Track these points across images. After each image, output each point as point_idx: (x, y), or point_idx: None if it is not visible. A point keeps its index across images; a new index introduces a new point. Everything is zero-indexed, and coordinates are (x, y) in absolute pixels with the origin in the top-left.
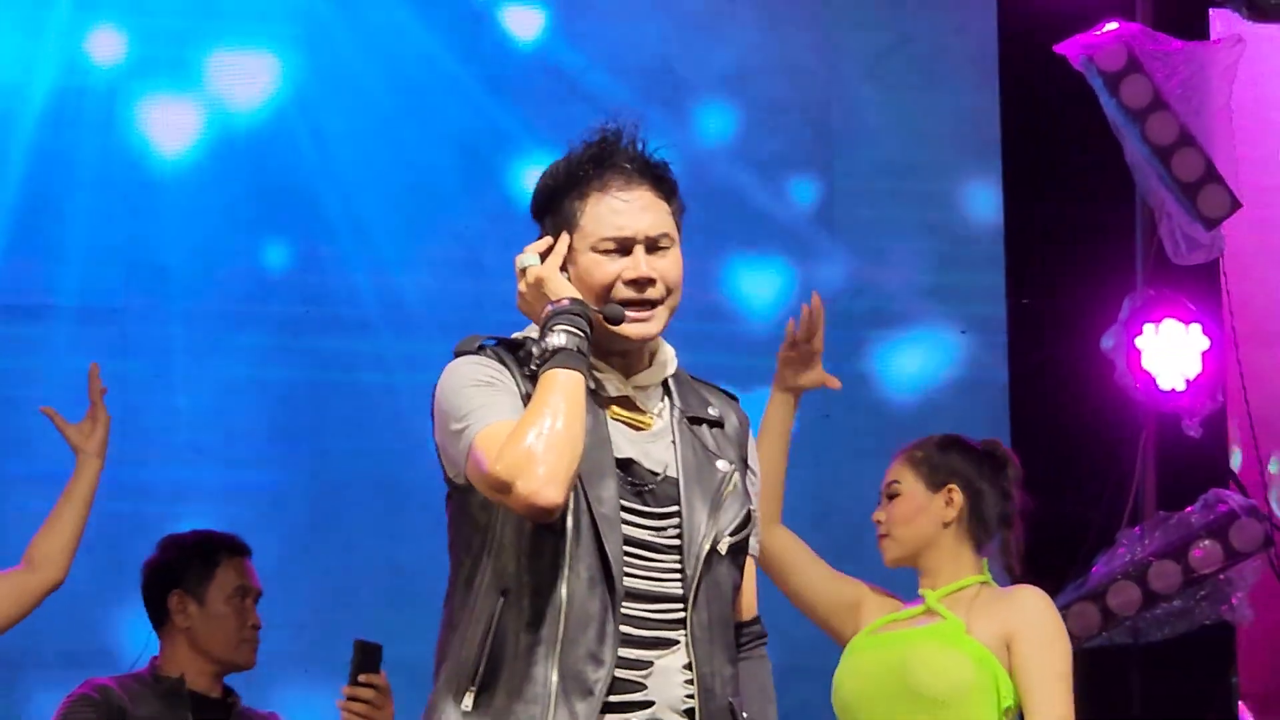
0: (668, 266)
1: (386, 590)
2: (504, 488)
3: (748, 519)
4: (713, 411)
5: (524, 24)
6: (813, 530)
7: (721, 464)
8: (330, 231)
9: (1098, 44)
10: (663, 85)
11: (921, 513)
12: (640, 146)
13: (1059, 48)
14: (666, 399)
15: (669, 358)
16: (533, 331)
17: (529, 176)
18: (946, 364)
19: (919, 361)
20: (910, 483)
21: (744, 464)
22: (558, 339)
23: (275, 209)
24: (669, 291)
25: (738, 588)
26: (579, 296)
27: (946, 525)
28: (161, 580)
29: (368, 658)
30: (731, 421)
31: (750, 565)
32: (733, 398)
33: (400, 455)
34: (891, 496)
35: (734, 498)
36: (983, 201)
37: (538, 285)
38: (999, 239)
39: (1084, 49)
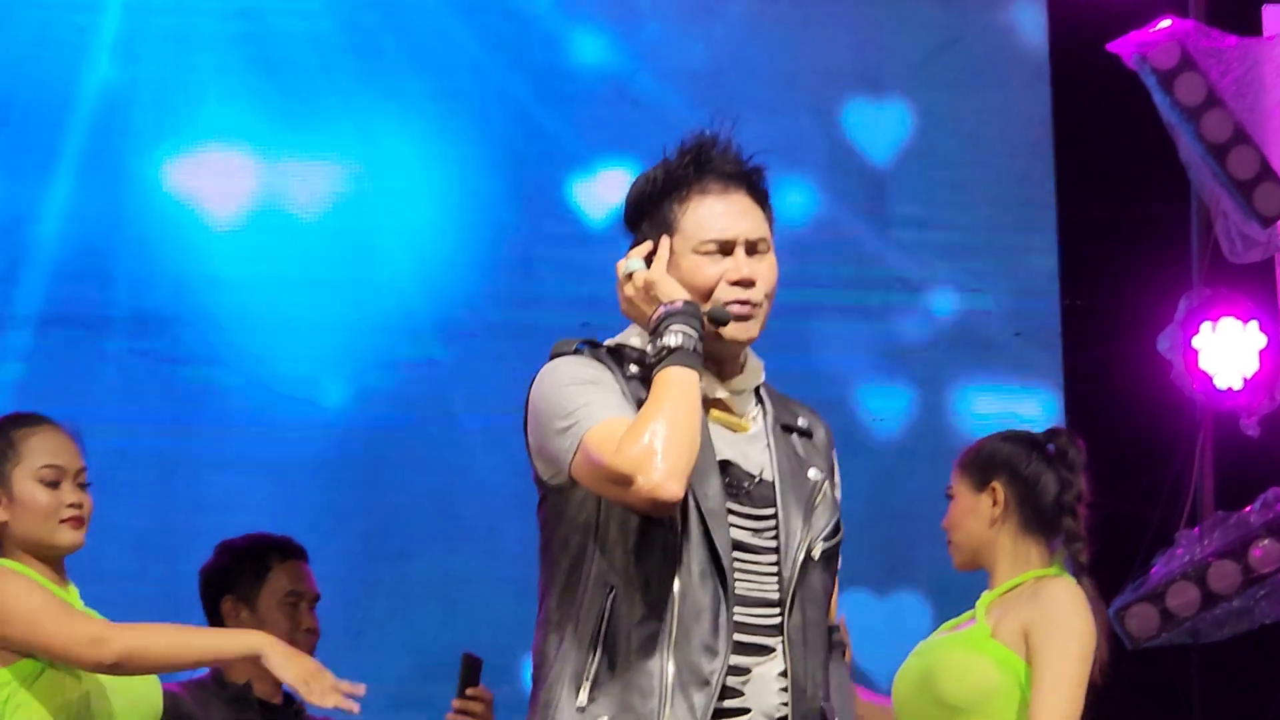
0: (766, 270)
1: (441, 600)
2: (624, 481)
3: (838, 527)
4: (802, 422)
5: (573, 33)
6: (867, 532)
7: (813, 472)
8: (384, 252)
9: (1150, 41)
10: (711, 91)
11: (969, 514)
12: (737, 152)
13: (1111, 46)
14: (759, 406)
15: (758, 366)
16: (625, 338)
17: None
18: (1001, 366)
19: (973, 363)
20: (959, 486)
21: (831, 474)
22: (673, 339)
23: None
24: (766, 296)
25: (829, 593)
26: (690, 299)
27: (994, 524)
28: (215, 586)
29: (473, 671)
30: (819, 433)
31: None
32: (817, 414)
33: (455, 461)
34: (950, 499)
35: (825, 505)
36: (1037, 200)
37: (647, 289)
38: (1053, 237)
39: (1137, 47)
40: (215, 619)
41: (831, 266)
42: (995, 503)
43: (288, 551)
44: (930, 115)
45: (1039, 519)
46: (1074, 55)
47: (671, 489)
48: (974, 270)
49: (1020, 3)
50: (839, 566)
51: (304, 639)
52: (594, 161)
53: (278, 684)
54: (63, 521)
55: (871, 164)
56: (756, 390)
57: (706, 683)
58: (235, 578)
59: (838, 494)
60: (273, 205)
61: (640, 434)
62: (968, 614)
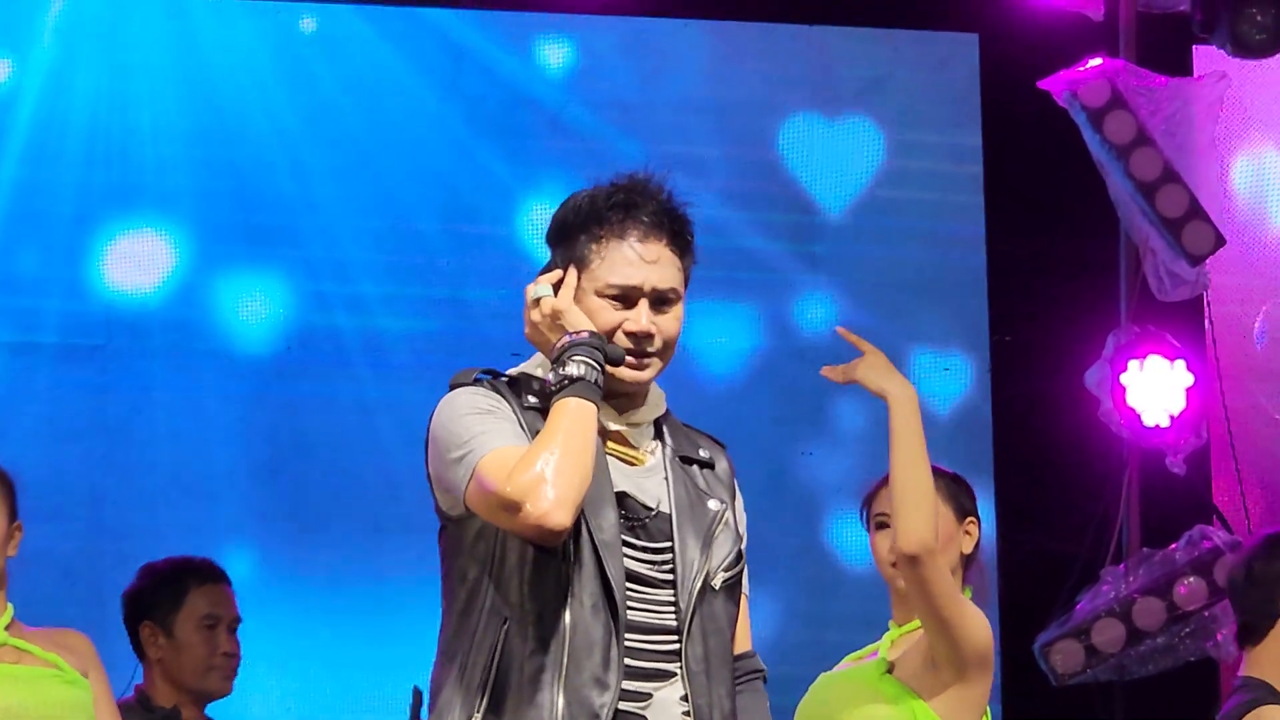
0: (668, 322)
1: (369, 625)
2: (513, 508)
3: (739, 557)
4: (703, 453)
5: (507, 62)
6: (790, 565)
7: (713, 503)
8: (312, 270)
9: (1081, 79)
10: (644, 121)
11: (951, 542)
12: (665, 199)
13: (1042, 83)
14: (658, 439)
15: (659, 399)
16: (529, 367)
17: (511, 214)
18: (930, 400)
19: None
20: (942, 509)
21: (733, 503)
22: (576, 369)
23: (258, 249)
24: (665, 346)
25: (734, 623)
26: (596, 330)
27: (963, 557)
28: (134, 611)
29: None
30: (721, 464)
31: (744, 602)
32: (720, 444)
33: (382, 492)
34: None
35: (725, 535)
36: (966, 237)
37: (554, 316)
38: (982, 275)
39: (1067, 84)
40: (136, 642)
41: (765, 299)
42: (969, 536)
43: (206, 575)
44: (862, 150)
45: (976, 562)
46: (1005, 92)
47: (559, 517)
48: (902, 305)
49: (952, 39)
50: (745, 593)
51: (221, 662)
52: (525, 194)
53: (194, 705)
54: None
55: (802, 196)
56: (657, 423)
57: (596, 716)
58: (153, 602)
59: (741, 524)
60: None
61: (532, 462)
62: (871, 647)
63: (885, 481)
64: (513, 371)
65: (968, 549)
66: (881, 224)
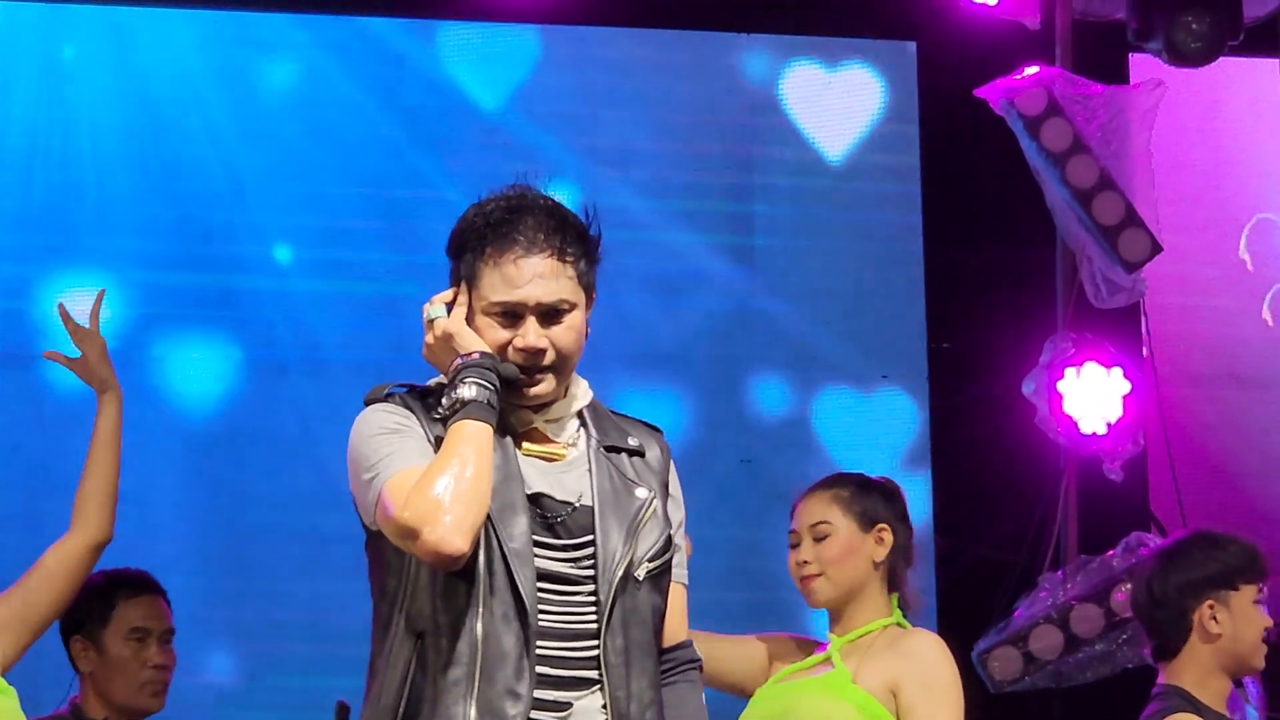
0: (561, 333)
1: (307, 635)
2: (410, 534)
3: (668, 544)
4: (633, 441)
5: (442, 70)
6: (735, 573)
7: (640, 491)
8: (247, 273)
9: (1018, 88)
10: (581, 130)
11: (855, 553)
12: (548, 209)
13: (979, 91)
14: (582, 430)
15: (582, 390)
16: (441, 380)
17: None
18: (867, 408)
19: (840, 406)
20: (841, 522)
21: (664, 491)
22: (468, 391)
23: (193, 250)
24: (561, 357)
25: (661, 613)
26: (488, 350)
27: (877, 565)
28: (66, 625)
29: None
30: (653, 451)
31: (678, 591)
32: (655, 430)
33: (318, 500)
34: (821, 538)
35: (653, 524)
36: (904, 245)
37: (446, 338)
38: (919, 281)
39: (1004, 93)
40: (70, 658)
41: (701, 304)
42: (880, 543)
43: (138, 586)
44: (800, 158)
45: (900, 567)
46: (942, 100)
47: (456, 543)
48: (842, 312)
49: (889, 48)
50: (683, 583)
51: (151, 675)
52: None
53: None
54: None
55: (742, 206)
56: (580, 414)
57: None
58: (84, 617)
59: (678, 512)
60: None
61: (429, 488)
62: (821, 656)
63: (800, 497)
64: (432, 383)
65: (880, 556)
66: (820, 232)
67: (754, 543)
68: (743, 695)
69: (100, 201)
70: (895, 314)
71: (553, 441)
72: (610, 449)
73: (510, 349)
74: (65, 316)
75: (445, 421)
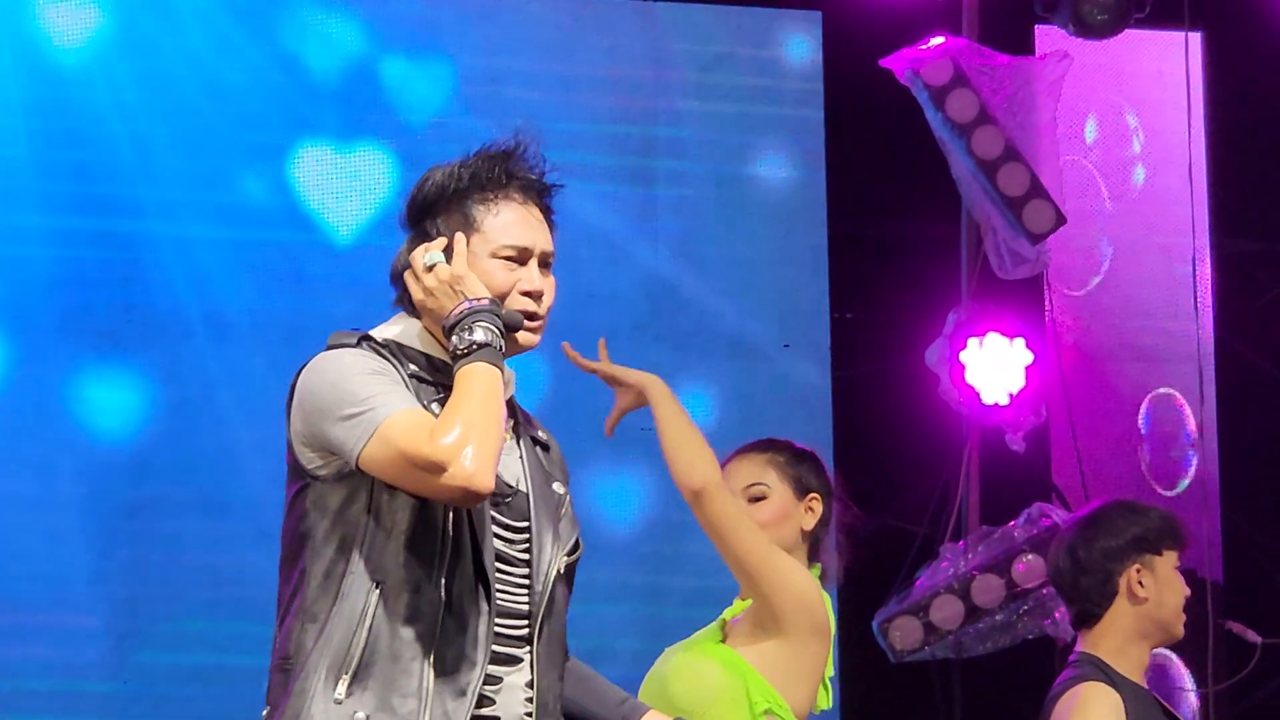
0: (551, 285)
1: (207, 598)
2: (437, 469)
3: (578, 543)
4: (541, 435)
5: (346, 34)
6: (638, 540)
7: (557, 486)
8: (151, 238)
9: (924, 58)
10: (488, 92)
11: (788, 519)
12: (541, 169)
13: (884, 62)
14: (510, 417)
15: (512, 377)
16: (400, 336)
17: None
18: (770, 378)
19: (742, 375)
20: (777, 486)
21: (567, 487)
22: (482, 334)
23: (97, 214)
24: (548, 309)
25: (566, 606)
26: (494, 298)
27: (804, 535)
28: None
29: None
30: (554, 448)
31: None
32: (548, 433)
33: (222, 465)
34: (756, 499)
35: (569, 519)
36: (807, 214)
37: (453, 283)
38: (823, 251)
39: (910, 63)
40: None
41: (603, 271)
42: (810, 512)
43: None
44: (704, 128)
45: (823, 538)
46: (847, 70)
47: (485, 481)
48: (744, 282)
49: (794, 17)
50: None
51: None
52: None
53: None
54: None
55: (644, 173)
56: (510, 401)
57: (463, 693)
58: None
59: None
60: None
61: (453, 424)
62: (715, 623)
63: (729, 458)
64: (379, 336)
65: (809, 525)
66: (724, 201)
67: (655, 514)
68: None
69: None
70: (798, 283)
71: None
72: (532, 440)
73: (514, 294)
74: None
75: (441, 382)
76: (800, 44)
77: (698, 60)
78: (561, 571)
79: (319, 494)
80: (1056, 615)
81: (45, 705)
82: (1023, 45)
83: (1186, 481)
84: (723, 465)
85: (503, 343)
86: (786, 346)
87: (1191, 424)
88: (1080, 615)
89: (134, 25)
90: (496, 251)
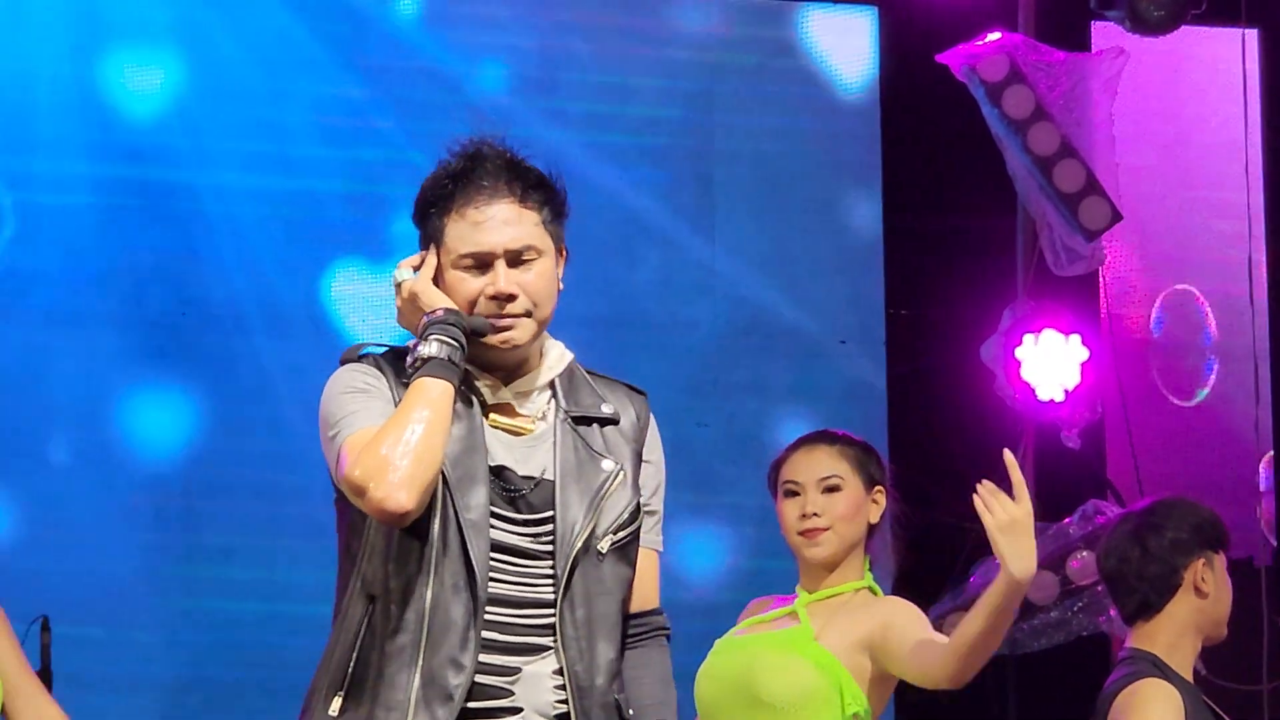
0: (532, 280)
1: (264, 592)
2: (359, 491)
3: (635, 514)
4: (606, 409)
5: (401, 25)
6: (689, 530)
7: (607, 463)
8: (209, 232)
9: (980, 54)
10: (543, 91)
11: (860, 512)
12: (504, 158)
13: (941, 57)
14: (552, 401)
15: (557, 358)
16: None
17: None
18: (825, 374)
19: (797, 371)
20: (850, 478)
21: (638, 459)
22: (429, 348)
23: (153, 208)
24: (535, 304)
25: (629, 583)
26: (454, 306)
27: (869, 528)
28: None
29: None
30: (629, 416)
31: (650, 557)
32: (639, 392)
33: (278, 457)
34: (832, 489)
35: (620, 495)
36: (863, 211)
37: (413, 299)
38: (878, 248)
39: (966, 59)
40: None
41: (661, 268)
42: (876, 505)
43: None
44: (760, 123)
45: (882, 534)
46: (903, 66)
47: (400, 500)
48: (799, 278)
49: (851, 13)
50: (657, 549)
51: None
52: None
53: None
54: None
55: (700, 169)
56: (552, 383)
57: (450, 697)
58: None
59: (654, 477)
60: None
61: (379, 445)
62: (784, 610)
63: (795, 447)
64: (410, 344)
65: (874, 518)
66: (779, 197)
67: (709, 506)
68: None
69: (56, 153)
70: (854, 280)
71: (520, 415)
72: (580, 419)
73: (481, 299)
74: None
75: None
76: (857, 39)
77: (755, 54)
78: (603, 550)
79: (341, 509)
80: (1111, 612)
81: (105, 696)
82: (1079, 41)
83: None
84: (786, 456)
85: (455, 352)
86: (842, 343)
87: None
88: (1138, 608)
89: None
90: (456, 262)
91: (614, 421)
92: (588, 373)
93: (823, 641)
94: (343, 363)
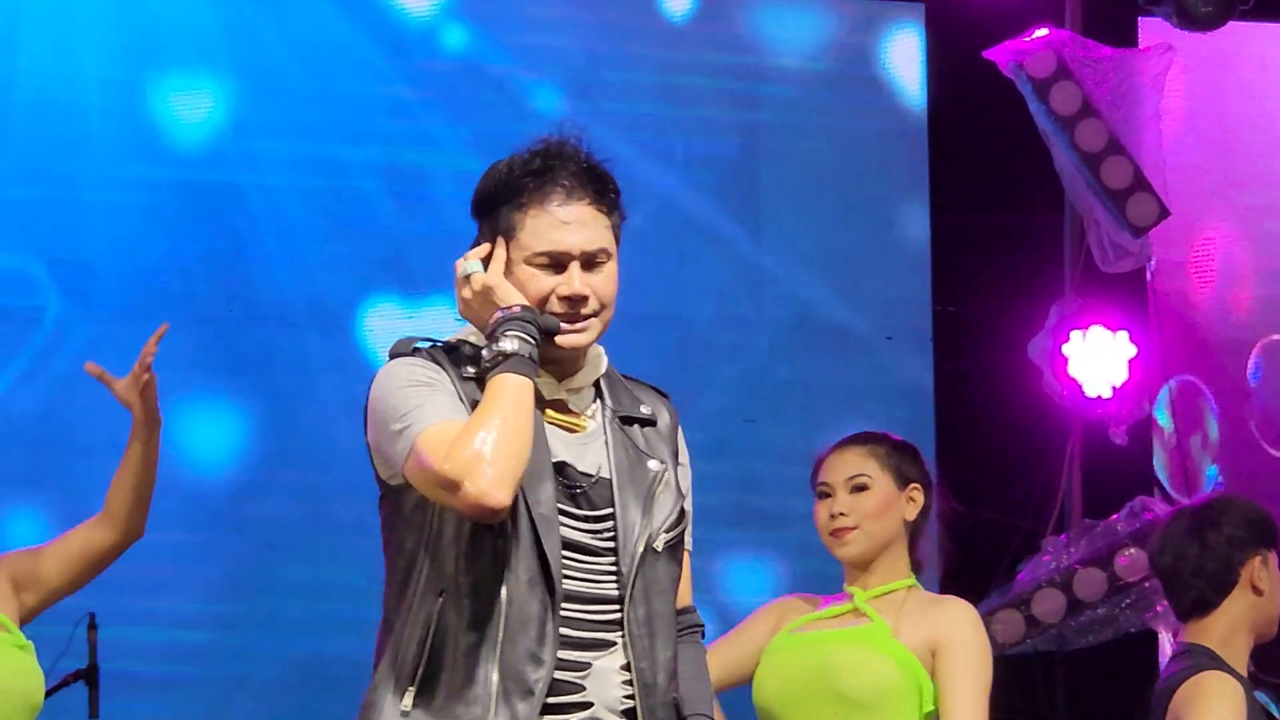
0: (601, 282)
1: (308, 590)
2: (451, 486)
3: (681, 515)
4: (645, 410)
5: (450, 28)
6: (735, 529)
7: (653, 463)
8: (256, 232)
9: (1027, 50)
10: (591, 91)
11: (890, 509)
12: (584, 159)
13: (988, 53)
14: (598, 400)
15: (599, 358)
16: (466, 334)
17: (453, 180)
18: (872, 370)
19: (844, 367)
20: (879, 476)
21: (675, 460)
22: (509, 344)
23: (201, 209)
24: (602, 306)
25: (678, 582)
26: (528, 304)
27: (906, 525)
28: None
29: None
30: (664, 418)
31: (685, 558)
32: (663, 394)
33: (322, 458)
34: (859, 489)
35: (666, 495)
36: (910, 208)
37: (485, 293)
38: (926, 245)
39: (1013, 55)
40: None
41: (706, 264)
42: (912, 502)
43: None
44: (806, 120)
45: (923, 530)
46: (950, 62)
47: (499, 496)
48: (846, 274)
49: (898, 9)
50: (688, 549)
51: None
52: (469, 158)
53: None
54: None
55: (747, 164)
56: (596, 383)
57: (530, 692)
58: None
59: (686, 478)
60: None
61: (470, 440)
62: (844, 607)
63: (829, 450)
64: (451, 339)
65: (910, 515)
66: (826, 192)
67: (756, 503)
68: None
69: (111, 160)
70: (901, 276)
71: (573, 412)
72: (625, 420)
73: (553, 298)
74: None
75: (482, 377)
76: (904, 36)
77: (801, 51)
78: (659, 550)
79: (395, 502)
80: (1159, 608)
81: (151, 695)
82: (1126, 37)
83: None
84: (824, 458)
85: (534, 349)
86: (889, 339)
87: None
88: (1193, 604)
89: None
90: (530, 259)
91: (652, 423)
92: (620, 376)
93: (900, 639)
94: (392, 356)
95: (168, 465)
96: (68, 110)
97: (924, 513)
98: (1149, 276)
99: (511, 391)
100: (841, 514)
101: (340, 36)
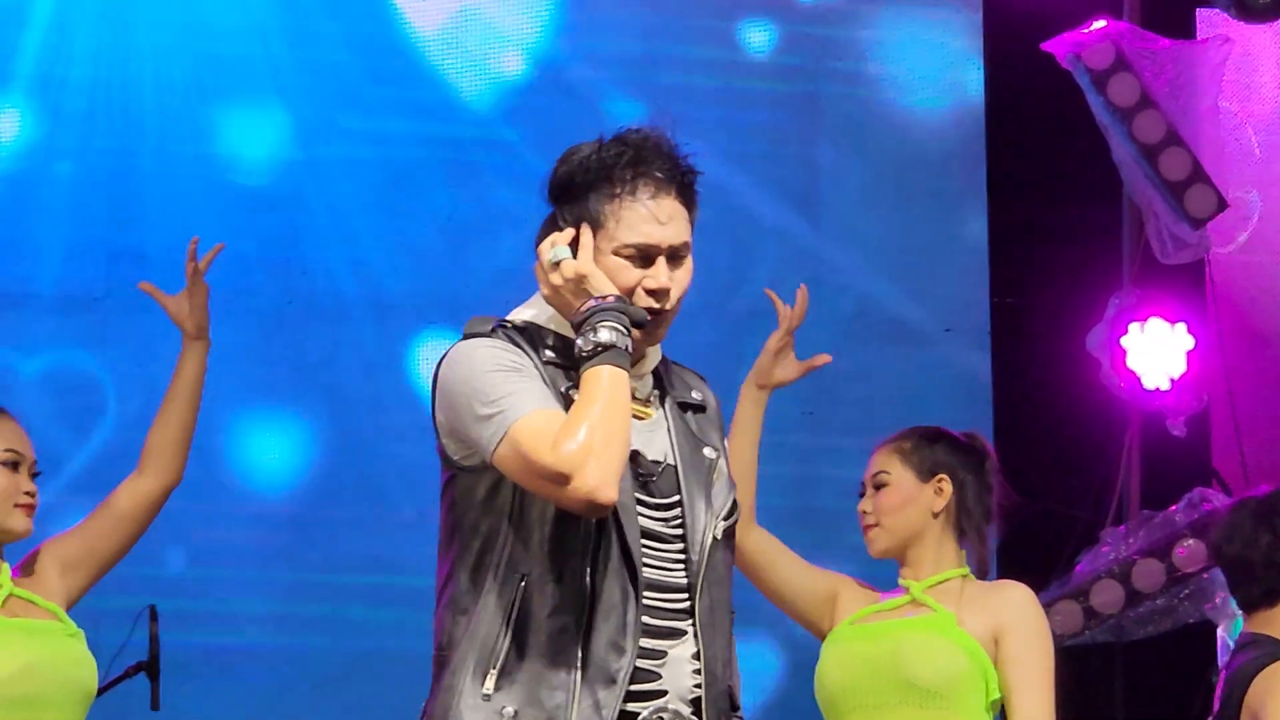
0: (682, 275)
1: (368, 580)
2: (561, 480)
3: (735, 505)
4: (696, 396)
5: (508, 31)
6: (794, 526)
7: (708, 450)
8: (312, 222)
9: (1085, 42)
10: (647, 81)
11: (911, 503)
12: (674, 154)
13: (1046, 45)
14: (657, 388)
15: (657, 347)
16: (536, 318)
17: (510, 170)
18: (930, 363)
19: (903, 360)
20: (899, 472)
21: (724, 446)
22: (606, 335)
23: (257, 200)
24: (678, 300)
25: (731, 570)
26: (621, 295)
27: (935, 516)
28: None
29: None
30: (711, 404)
31: None
32: (701, 377)
33: (380, 447)
34: (879, 486)
35: (722, 483)
36: (969, 200)
37: (578, 280)
38: (984, 237)
39: (1071, 47)
40: None
41: (765, 255)
42: (939, 494)
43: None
44: (865, 112)
45: (966, 519)
46: (1008, 54)
47: (609, 493)
48: (905, 266)
49: (955, 2)
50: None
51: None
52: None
53: None
54: (17, 506)
55: (806, 157)
56: (655, 371)
57: (613, 681)
58: None
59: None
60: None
61: (576, 432)
62: (903, 599)
63: (875, 450)
64: (516, 319)
65: (938, 507)
66: (885, 185)
67: (814, 498)
68: (799, 619)
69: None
70: (959, 268)
71: (638, 400)
72: (682, 406)
73: (640, 291)
74: (192, 254)
75: (578, 365)
76: (963, 29)
77: (858, 45)
78: (718, 537)
79: (467, 484)
80: (1217, 600)
81: (207, 687)
82: (1184, 29)
83: None
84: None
85: (629, 341)
86: (948, 331)
87: None
88: (1263, 595)
89: None
90: (620, 250)
91: (703, 408)
92: (670, 361)
93: (965, 627)
94: (468, 335)
95: (231, 468)
96: (124, 109)
97: (962, 503)
98: (1208, 268)
99: (611, 384)
100: (864, 512)
101: (397, 42)
